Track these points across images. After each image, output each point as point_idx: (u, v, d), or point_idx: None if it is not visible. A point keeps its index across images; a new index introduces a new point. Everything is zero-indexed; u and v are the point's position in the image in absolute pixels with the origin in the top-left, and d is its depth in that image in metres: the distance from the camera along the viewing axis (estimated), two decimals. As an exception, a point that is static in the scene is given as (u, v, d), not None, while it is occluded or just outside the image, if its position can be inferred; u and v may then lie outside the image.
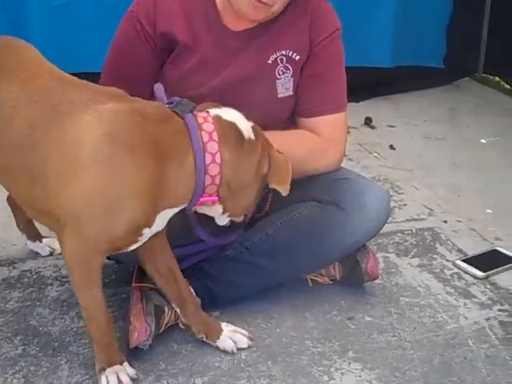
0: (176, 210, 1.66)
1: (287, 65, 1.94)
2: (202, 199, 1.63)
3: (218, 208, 1.69)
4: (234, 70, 1.91)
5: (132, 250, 1.71)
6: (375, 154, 3.12)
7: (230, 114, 1.66)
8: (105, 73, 1.98)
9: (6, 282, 2.14)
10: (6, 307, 2.01)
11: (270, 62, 1.93)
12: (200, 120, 1.61)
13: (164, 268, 1.78)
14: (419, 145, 3.26)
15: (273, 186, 1.70)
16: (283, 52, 1.92)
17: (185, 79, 1.90)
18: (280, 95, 1.96)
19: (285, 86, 1.96)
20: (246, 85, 1.91)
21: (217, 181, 1.61)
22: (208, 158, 1.58)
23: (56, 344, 1.86)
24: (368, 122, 3.49)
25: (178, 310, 1.82)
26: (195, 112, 1.63)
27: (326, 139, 1.95)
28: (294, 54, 1.93)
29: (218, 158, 1.59)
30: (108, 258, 2.02)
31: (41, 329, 1.93)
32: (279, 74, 1.94)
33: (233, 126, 1.64)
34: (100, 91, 1.66)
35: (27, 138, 1.63)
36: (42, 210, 1.67)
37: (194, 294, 1.85)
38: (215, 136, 1.59)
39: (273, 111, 1.96)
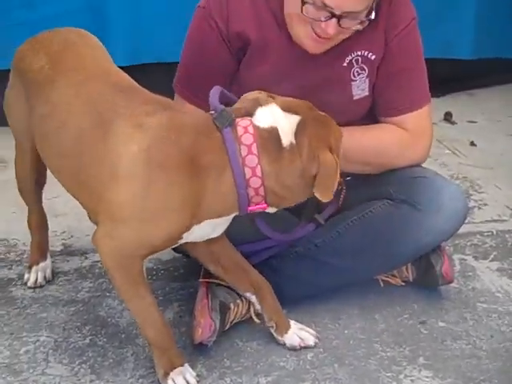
0: (223, 219, 1.63)
1: (362, 65, 1.86)
2: (250, 208, 1.60)
3: (271, 209, 1.65)
4: (307, 75, 1.86)
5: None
6: (455, 151, 3.00)
7: (272, 116, 1.57)
8: (181, 71, 1.95)
9: (78, 271, 2.17)
10: (77, 297, 2.04)
11: (345, 64, 1.86)
12: (240, 131, 1.55)
13: (229, 264, 1.76)
14: (502, 142, 3.11)
15: (315, 192, 1.58)
16: (358, 53, 1.85)
17: (258, 82, 1.82)
18: (356, 97, 1.89)
19: (360, 88, 1.89)
20: (320, 89, 1.84)
21: (261, 192, 1.57)
22: (248, 173, 1.54)
23: (123, 336, 1.87)
24: (448, 117, 3.36)
25: (254, 297, 1.79)
26: (237, 121, 1.56)
27: (412, 133, 1.88)
28: (370, 54, 1.85)
29: (258, 171, 1.54)
30: (175, 250, 2.03)
31: (109, 320, 1.94)
32: (354, 76, 1.87)
33: (273, 134, 1.56)
34: (149, 100, 1.63)
35: (76, 145, 1.64)
36: (91, 210, 1.70)
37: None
38: (254, 149, 1.54)
39: (349, 113, 1.90)
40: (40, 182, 2.03)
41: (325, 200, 1.58)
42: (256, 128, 1.56)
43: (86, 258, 2.25)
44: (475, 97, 3.67)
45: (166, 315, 1.91)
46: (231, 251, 1.80)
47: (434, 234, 1.89)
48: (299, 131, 1.57)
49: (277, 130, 1.56)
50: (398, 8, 1.85)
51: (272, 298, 1.81)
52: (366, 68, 1.87)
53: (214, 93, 1.63)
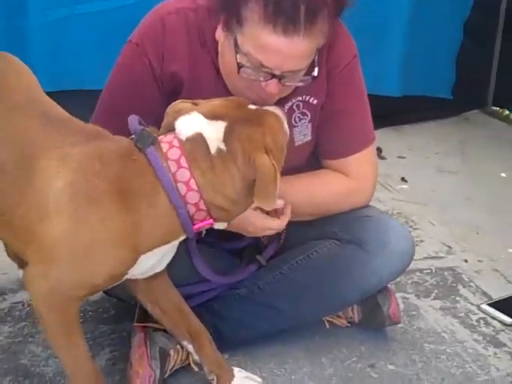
0: (171, 245, 1.51)
1: (304, 110, 1.76)
2: (195, 227, 1.47)
3: (221, 225, 1.53)
4: None
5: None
6: (387, 186, 2.99)
7: (196, 124, 1.46)
8: (102, 107, 1.77)
9: (-4, 314, 1.97)
10: (-5, 343, 1.84)
11: (285, 109, 1.73)
12: (165, 148, 1.44)
13: (169, 306, 1.63)
14: (431, 178, 3.13)
15: (255, 201, 1.46)
16: (299, 98, 1.74)
17: None
18: (298, 143, 1.78)
19: (302, 133, 1.78)
20: None
21: (202, 206, 1.45)
22: (182, 189, 1.42)
23: (49, 387, 1.69)
24: (378, 152, 3.35)
25: (191, 347, 1.66)
26: (160, 138, 1.46)
27: (355, 179, 1.79)
28: (311, 99, 1.75)
29: (193, 185, 1.42)
30: (106, 293, 1.88)
31: (33, 369, 1.76)
32: (296, 122, 1.76)
33: (199, 143, 1.44)
34: (76, 131, 1.50)
35: (0, 184, 1.47)
36: (18, 250, 1.54)
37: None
38: (184, 162, 1.43)
39: (292, 159, 1.72)
40: None
41: (267, 208, 1.49)
42: (181, 141, 1.45)
43: (5, 299, 2.05)
44: (402, 132, 3.71)
45: (97, 362, 1.74)
46: (171, 292, 1.66)
47: (380, 275, 1.82)
48: (228, 136, 1.45)
49: (203, 138, 1.44)
50: (337, 48, 1.74)
51: (211, 348, 1.68)
52: (307, 113, 1.77)
53: (133, 119, 1.51)
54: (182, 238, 1.51)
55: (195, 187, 1.42)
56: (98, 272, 1.43)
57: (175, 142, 1.44)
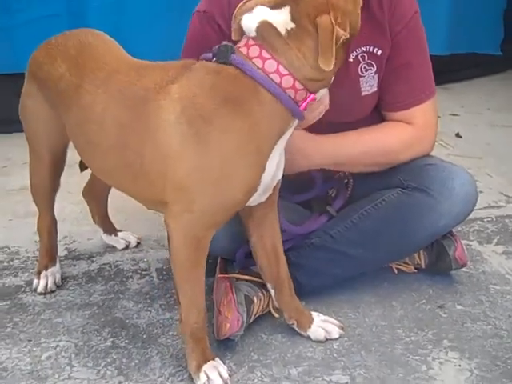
0: (285, 137, 1.61)
1: (370, 61, 1.87)
2: (302, 107, 1.57)
3: (320, 94, 1.62)
4: None
5: (217, 242, 1.69)
6: (443, 143, 3.05)
7: (260, 15, 1.54)
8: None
9: (87, 275, 2.13)
10: (90, 300, 2.00)
11: (351, 60, 1.86)
12: (244, 51, 1.54)
13: (269, 244, 1.75)
14: (485, 133, 3.19)
15: (318, 61, 1.50)
16: (363, 48, 1.85)
17: None
18: (364, 93, 1.89)
19: (369, 84, 1.89)
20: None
21: (298, 86, 1.54)
22: (276, 78, 1.52)
23: (144, 336, 1.85)
24: (430, 111, 3.42)
25: (273, 292, 1.79)
26: (236, 46, 1.56)
27: (418, 128, 1.90)
28: (376, 49, 1.86)
29: (283, 70, 1.52)
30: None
31: (127, 321, 1.91)
32: (362, 72, 1.87)
33: (268, 29, 1.53)
34: (169, 67, 1.64)
35: (120, 138, 1.63)
36: (149, 199, 1.67)
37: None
38: (265, 53, 1.52)
39: (357, 109, 1.91)
40: (55, 188, 2.01)
41: (325, 68, 1.50)
42: (253, 37, 1.54)
43: (93, 261, 2.21)
44: (453, 91, 3.75)
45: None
46: (276, 230, 1.78)
47: (447, 219, 1.91)
48: (294, 15, 1.52)
49: (270, 25, 1.52)
50: (400, 3, 1.86)
51: (290, 295, 1.81)
52: (374, 64, 1.87)
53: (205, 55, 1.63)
54: (294, 124, 1.60)
55: (285, 71, 1.52)
56: (236, 188, 1.54)
57: (250, 42, 1.54)
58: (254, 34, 1.54)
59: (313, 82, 1.56)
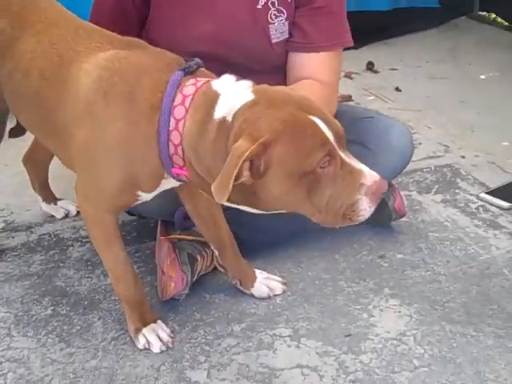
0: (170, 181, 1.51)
1: (280, 7, 1.82)
2: (174, 170, 1.45)
3: (193, 183, 1.49)
4: (224, 18, 1.81)
5: (153, 204, 1.66)
6: (382, 97, 3.07)
7: (226, 85, 1.41)
8: (92, 19, 1.85)
9: (26, 246, 2.08)
10: (29, 270, 1.96)
11: (259, 7, 1.81)
12: (188, 82, 1.43)
13: (205, 212, 1.73)
14: (425, 85, 3.21)
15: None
16: None
17: (174, 22, 1.79)
18: (274, 40, 1.84)
19: (279, 31, 1.84)
20: (237, 32, 1.80)
21: (179, 152, 1.41)
22: (172, 124, 1.41)
23: (86, 303, 1.82)
24: (370, 66, 3.43)
25: (217, 253, 1.79)
26: (199, 73, 1.47)
27: (328, 86, 1.84)
28: None
29: (180, 127, 1.40)
30: (129, 212, 2.00)
31: (68, 289, 1.88)
32: (272, 19, 1.83)
33: (212, 99, 1.39)
34: (112, 39, 1.58)
35: (40, 92, 1.59)
36: (64, 159, 1.65)
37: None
38: (188, 102, 1.40)
39: (269, 57, 1.86)
40: None
41: (216, 198, 1.31)
42: (207, 86, 1.42)
43: (32, 232, 2.16)
44: (392, 46, 3.75)
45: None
46: (210, 201, 1.70)
47: (384, 172, 1.89)
48: (240, 114, 1.34)
49: (218, 98, 1.39)
50: None
51: (235, 258, 1.80)
52: (284, 10, 1.83)
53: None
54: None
55: (181, 130, 1.41)
56: (109, 181, 1.49)
57: (199, 84, 1.43)
58: (212, 86, 1.41)
59: (191, 168, 1.42)
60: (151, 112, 1.43)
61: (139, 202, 1.59)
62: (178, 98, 1.42)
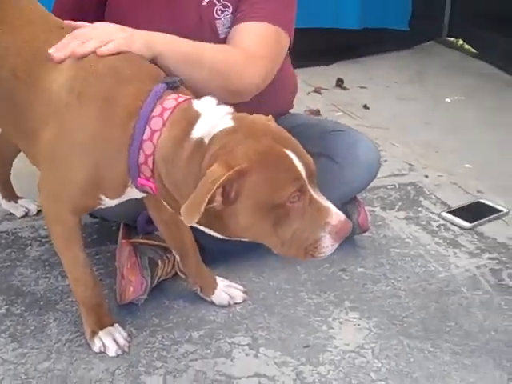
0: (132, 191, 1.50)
1: (226, 2, 1.81)
2: (139, 180, 1.44)
3: (160, 196, 1.46)
4: (174, 17, 1.80)
5: (116, 207, 1.64)
6: (351, 114, 3.10)
7: (206, 107, 1.41)
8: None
9: (-18, 243, 2.04)
10: (-16, 268, 1.92)
11: (204, 3, 1.81)
12: (169, 96, 1.43)
13: (168, 217, 1.71)
14: (392, 105, 3.25)
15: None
16: None
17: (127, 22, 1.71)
18: (222, 36, 1.82)
19: (226, 25, 1.82)
20: (187, 30, 1.74)
21: (149, 163, 1.40)
22: (147, 133, 1.39)
23: (42, 303, 1.79)
24: (340, 83, 3.46)
25: (178, 258, 1.77)
26: (180, 90, 1.46)
27: (245, 52, 1.71)
28: None
29: (155, 138, 1.39)
30: (91, 215, 1.97)
31: (24, 288, 1.84)
32: (218, 15, 1.81)
33: (192, 117, 1.39)
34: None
35: (13, 88, 1.56)
36: (31, 156, 1.62)
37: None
38: (166, 115, 1.39)
39: None
40: None
41: (184, 220, 1.30)
42: (185, 103, 1.42)
43: (-11, 229, 2.12)
44: (362, 65, 3.80)
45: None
46: None
47: (350, 186, 1.95)
48: (217, 140, 1.34)
49: (198, 118, 1.39)
50: None
51: (197, 264, 1.78)
52: (229, 5, 1.81)
53: None
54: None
55: (155, 141, 1.39)
56: (73, 183, 1.47)
57: (180, 100, 1.42)
58: (192, 104, 1.41)
59: (160, 182, 1.41)
60: (127, 118, 1.42)
61: (102, 207, 1.57)
62: (157, 110, 1.41)
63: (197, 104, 1.42)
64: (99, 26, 1.59)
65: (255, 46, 1.74)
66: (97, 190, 1.49)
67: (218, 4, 1.81)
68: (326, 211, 1.36)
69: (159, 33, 1.62)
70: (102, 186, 1.48)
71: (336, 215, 1.36)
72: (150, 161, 1.41)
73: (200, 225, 1.38)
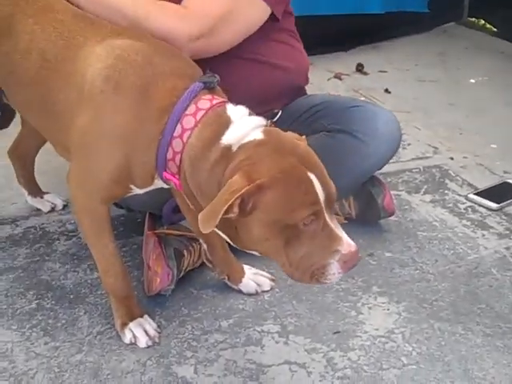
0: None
1: None
2: (165, 174, 1.46)
3: (184, 194, 1.48)
4: None
5: (142, 197, 1.65)
6: (372, 99, 3.07)
7: (239, 115, 1.41)
8: None
9: (11, 239, 2.05)
10: (14, 264, 1.93)
11: None
12: (204, 96, 1.43)
13: None
14: (414, 88, 3.22)
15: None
16: None
17: None
18: None
19: None
20: None
21: (177, 160, 1.42)
22: (178, 131, 1.41)
23: (72, 296, 1.80)
24: (360, 68, 3.44)
25: (205, 247, 1.77)
26: (216, 91, 1.47)
27: (186, 9, 1.68)
28: None
29: (185, 136, 1.40)
30: (117, 205, 1.97)
31: (54, 283, 1.86)
32: None
33: (224, 123, 1.39)
34: (125, 29, 1.57)
35: (42, 71, 1.56)
36: (59, 143, 1.62)
37: None
38: (200, 115, 1.40)
39: None
40: None
41: (201, 228, 1.30)
42: (220, 106, 1.41)
43: (17, 225, 2.13)
44: (381, 49, 3.77)
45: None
46: None
47: (372, 159, 1.91)
48: (244, 150, 1.35)
49: (230, 124, 1.39)
50: None
51: (224, 253, 1.78)
52: None
53: None
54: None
55: (185, 140, 1.41)
56: (102, 171, 1.48)
57: (214, 102, 1.42)
58: (226, 109, 1.41)
59: (184, 181, 1.42)
60: (160, 113, 1.43)
61: (131, 194, 1.57)
62: (191, 108, 1.42)
63: (230, 109, 1.43)
64: None
65: (198, 5, 1.69)
66: (127, 180, 1.50)
67: None
68: (338, 239, 1.35)
69: None
70: (132, 175, 1.49)
71: (347, 245, 1.35)
72: (177, 158, 1.42)
73: (216, 229, 1.38)
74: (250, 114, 1.43)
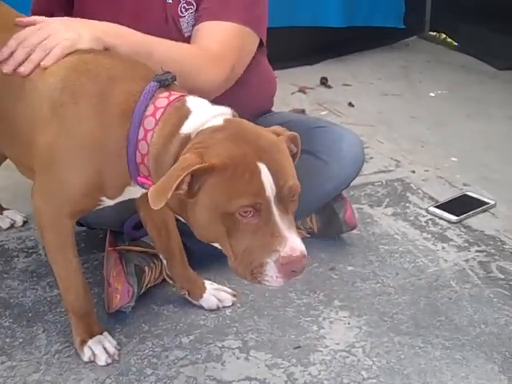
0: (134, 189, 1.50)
1: (189, 0, 1.81)
2: (139, 178, 1.44)
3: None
4: (139, 15, 1.79)
5: (103, 215, 1.64)
6: (336, 112, 3.10)
7: (200, 105, 1.41)
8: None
9: (-32, 256, 2.02)
10: (-29, 281, 1.90)
11: (170, 1, 1.81)
12: (162, 94, 1.43)
13: (158, 219, 1.70)
14: (377, 101, 3.26)
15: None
16: None
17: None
18: (187, 34, 1.82)
19: (190, 24, 1.82)
20: (151, 28, 1.71)
21: (146, 162, 1.41)
22: (141, 133, 1.40)
23: (30, 314, 1.77)
24: (324, 81, 3.47)
25: (165, 262, 1.76)
26: (172, 87, 1.46)
27: (210, 53, 1.72)
28: None
29: (149, 137, 1.39)
30: (78, 223, 1.95)
31: (12, 300, 1.83)
32: (182, 12, 1.81)
33: (183, 114, 1.39)
34: None
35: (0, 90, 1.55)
36: (22, 164, 1.61)
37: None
38: (159, 114, 1.40)
39: None
40: None
41: (151, 203, 1.28)
42: (178, 100, 1.41)
43: (-25, 242, 2.10)
44: (345, 62, 3.80)
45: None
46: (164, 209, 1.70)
47: (335, 181, 1.94)
48: (203, 132, 1.35)
49: (189, 114, 1.39)
50: None
51: (184, 269, 1.77)
52: (193, 2, 1.81)
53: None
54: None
55: (149, 141, 1.40)
56: (73, 184, 1.46)
57: (172, 98, 1.42)
58: (186, 102, 1.41)
59: (156, 180, 1.37)
60: (122, 118, 1.43)
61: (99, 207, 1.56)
62: (150, 109, 1.42)
63: (190, 101, 1.42)
64: (45, 25, 1.57)
65: (217, 45, 1.73)
66: (98, 191, 1.49)
67: (182, 2, 1.81)
68: (281, 239, 1.27)
69: (110, 24, 1.61)
70: (103, 186, 1.48)
71: (290, 248, 1.27)
72: (146, 160, 1.42)
73: (170, 209, 1.37)
74: (213, 104, 1.43)
